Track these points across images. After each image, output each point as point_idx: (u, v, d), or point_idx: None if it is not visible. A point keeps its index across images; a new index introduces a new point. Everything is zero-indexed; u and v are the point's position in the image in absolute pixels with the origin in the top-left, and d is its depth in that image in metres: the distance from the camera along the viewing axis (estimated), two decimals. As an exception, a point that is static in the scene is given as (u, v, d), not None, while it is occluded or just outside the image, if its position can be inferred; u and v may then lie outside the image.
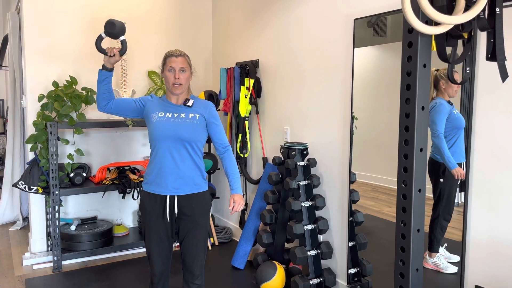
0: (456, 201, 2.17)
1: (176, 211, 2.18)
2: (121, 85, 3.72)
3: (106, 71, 2.19)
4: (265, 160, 3.61)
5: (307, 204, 2.89)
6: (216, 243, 3.97)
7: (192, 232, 2.20)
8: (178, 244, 3.82)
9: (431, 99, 2.23)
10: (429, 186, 2.27)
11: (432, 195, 2.27)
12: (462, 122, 2.12)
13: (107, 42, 3.81)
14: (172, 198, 2.16)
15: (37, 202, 3.69)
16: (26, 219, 4.60)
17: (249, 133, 3.78)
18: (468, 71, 1.23)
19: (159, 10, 4.14)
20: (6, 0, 5.41)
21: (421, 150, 1.14)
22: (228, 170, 2.26)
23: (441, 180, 2.21)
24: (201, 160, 2.24)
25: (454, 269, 2.18)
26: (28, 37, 3.56)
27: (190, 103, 2.21)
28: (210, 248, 3.86)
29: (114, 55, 2.18)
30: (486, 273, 2.06)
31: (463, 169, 2.12)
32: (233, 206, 2.20)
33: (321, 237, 3.04)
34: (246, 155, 3.79)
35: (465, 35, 1.16)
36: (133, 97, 3.95)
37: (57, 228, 3.33)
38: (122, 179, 3.61)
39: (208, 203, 2.26)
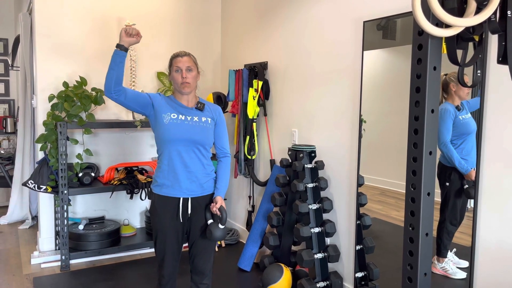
0: (467, 206, 2.15)
1: (189, 213, 2.20)
2: (130, 86, 3.74)
3: (124, 51, 2.04)
4: (272, 162, 3.61)
5: (314, 206, 2.88)
6: (223, 245, 3.96)
7: (203, 234, 2.22)
8: (186, 244, 3.82)
9: None
10: (437, 190, 2.25)
11: (440, 199, 2.25)
12: (469, 128, 2.09)
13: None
14: (185, 200, 2.17)
15: (46, 201, 3.72)
16: (35, 218, 4.64)
17: (257, 135, 3.78)
18: (478, 74, 1.22)
19: (169, 12, 4.16)
20: (18, 1, 5.48)
21: (430, 153, 1.13)
22: (220, 172, 2.27)
23: (447, 184, 2.20)
24: (210, 162, 2.26)
25: (462, 275, 2.15)
26: (39, 38, 3.60)
27: (202, 107, 2.22)
28: (217, 249, 3.86)
29: (137, 35, 2.08)
30: (495, 279, 2.03)
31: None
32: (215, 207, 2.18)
33: (328, 240, 3.03)
34: (253, 157, 3.79)
35: (476, 38, 1.15)
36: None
37: (66, 228, 3.35)
38: (130, 179, 3.63)
39: None
